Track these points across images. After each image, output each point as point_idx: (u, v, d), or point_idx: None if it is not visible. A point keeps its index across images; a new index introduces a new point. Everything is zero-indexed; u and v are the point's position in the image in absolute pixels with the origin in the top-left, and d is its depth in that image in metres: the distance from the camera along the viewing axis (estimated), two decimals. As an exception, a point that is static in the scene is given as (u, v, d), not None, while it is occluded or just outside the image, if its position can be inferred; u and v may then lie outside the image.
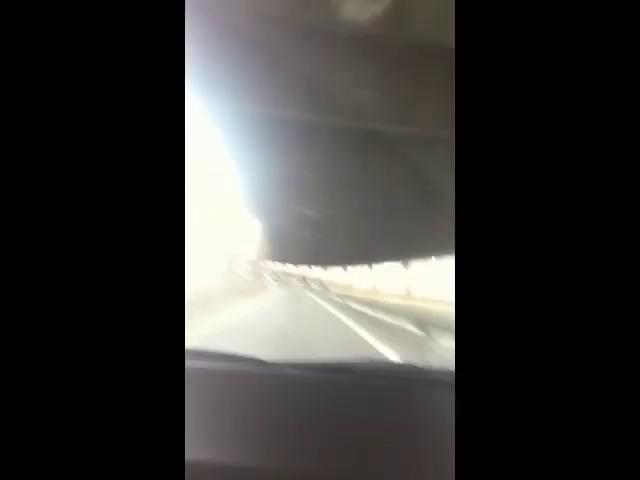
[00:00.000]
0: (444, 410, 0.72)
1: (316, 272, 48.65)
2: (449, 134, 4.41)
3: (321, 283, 41.58)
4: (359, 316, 11.14)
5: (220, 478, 0.60)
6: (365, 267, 30.37)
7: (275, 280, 41.44)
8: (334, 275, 40.24)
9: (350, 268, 35.98)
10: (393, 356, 4.63)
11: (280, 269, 50.40)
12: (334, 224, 16.54)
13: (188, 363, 0.83)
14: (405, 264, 22.96)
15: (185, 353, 0.72)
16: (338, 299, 20.78)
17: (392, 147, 6.92)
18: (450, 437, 0.52)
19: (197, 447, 0.63)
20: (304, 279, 49.79)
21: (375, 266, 28.17)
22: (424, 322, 8.95)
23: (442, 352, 5.26)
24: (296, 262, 48.27)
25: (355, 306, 15.39)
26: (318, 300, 19.65)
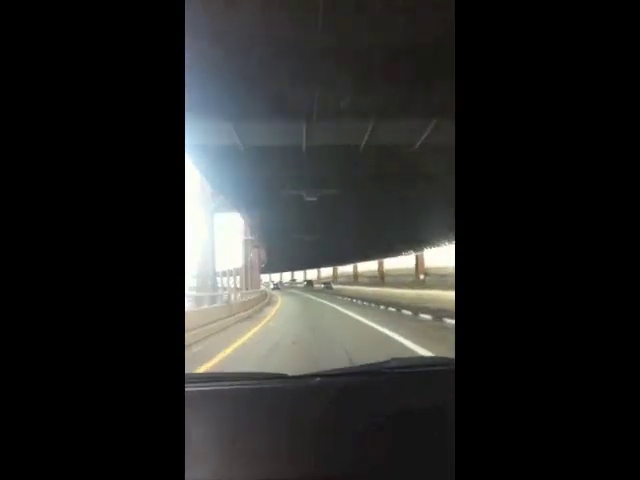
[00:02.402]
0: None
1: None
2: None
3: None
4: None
5: None
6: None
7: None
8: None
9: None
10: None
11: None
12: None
13: (211, 386, 0.97)
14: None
15: (210, 376, 0.97)
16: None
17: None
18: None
19: (226, 466, 0.67)
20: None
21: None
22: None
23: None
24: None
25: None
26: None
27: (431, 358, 1.47)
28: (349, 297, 22.18)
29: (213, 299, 11.67)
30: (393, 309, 12.51)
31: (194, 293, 12.10)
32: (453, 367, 0.85)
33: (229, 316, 9.53)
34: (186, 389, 0.62)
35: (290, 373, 1.09)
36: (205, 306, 9.74)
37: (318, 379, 1.02)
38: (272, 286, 47.22)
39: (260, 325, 9.38)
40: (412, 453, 0.68)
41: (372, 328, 8.10)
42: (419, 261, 32.86)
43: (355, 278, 48.20)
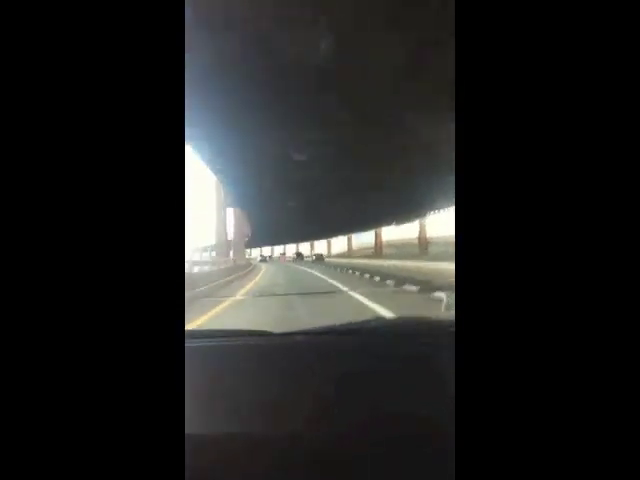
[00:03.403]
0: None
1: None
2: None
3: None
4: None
5: (242, 446, 0.62)
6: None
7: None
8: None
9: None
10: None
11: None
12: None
13: (198, 342, 0.95)
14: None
15: (198, 332, 0.92)
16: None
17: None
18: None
19: (211, 420, 0.67)
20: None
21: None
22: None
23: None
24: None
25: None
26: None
27: (409, 318, 1.44)
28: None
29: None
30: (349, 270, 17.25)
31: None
32: (434, 327, 1.07)
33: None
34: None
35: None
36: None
37: (302, 337, 1.07)
38: (259, 259, 47.38)
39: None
40: (398, 411, 0.68)
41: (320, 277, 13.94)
42: (377, 236, 38.46)
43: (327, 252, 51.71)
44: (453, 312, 0.65)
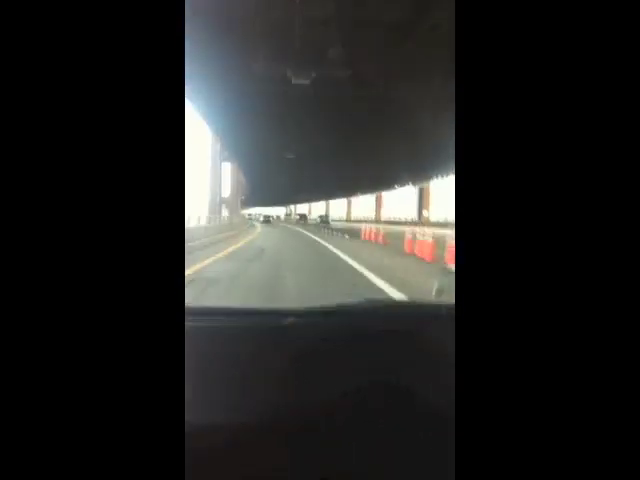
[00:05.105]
0: (447, 343, 0.65)
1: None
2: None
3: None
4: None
5: (229, 435, 0.61)
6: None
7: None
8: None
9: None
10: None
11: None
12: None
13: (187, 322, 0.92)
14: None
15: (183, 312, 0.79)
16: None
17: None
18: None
19: (200, 408, 0.64)
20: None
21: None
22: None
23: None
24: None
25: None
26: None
27: (403, 301, 1.44)
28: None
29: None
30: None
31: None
32: (425, 309, 1.11)
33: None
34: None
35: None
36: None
37: (292, 318, 1.02)
38: (262, 219, 45.50)
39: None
40: (390, 391, 0.68)
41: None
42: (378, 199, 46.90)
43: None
44: (445, 296, 0.83)
